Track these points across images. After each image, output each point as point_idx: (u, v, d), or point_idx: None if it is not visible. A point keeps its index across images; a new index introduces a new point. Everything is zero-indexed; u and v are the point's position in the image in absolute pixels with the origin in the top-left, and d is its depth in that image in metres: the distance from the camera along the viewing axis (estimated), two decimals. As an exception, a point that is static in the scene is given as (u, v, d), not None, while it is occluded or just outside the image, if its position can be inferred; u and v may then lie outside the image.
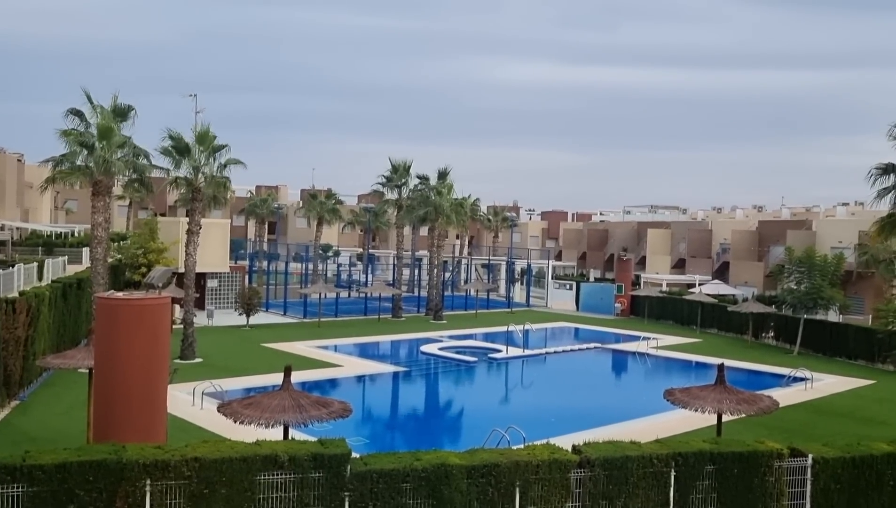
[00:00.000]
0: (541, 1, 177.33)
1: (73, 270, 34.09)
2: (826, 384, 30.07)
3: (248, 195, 74.52)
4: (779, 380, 29.94)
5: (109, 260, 31.84)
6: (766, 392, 18.72)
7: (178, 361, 28.43)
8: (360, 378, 30.10)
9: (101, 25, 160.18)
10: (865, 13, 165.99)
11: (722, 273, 59.48)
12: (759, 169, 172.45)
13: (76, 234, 52.37)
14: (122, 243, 43.10)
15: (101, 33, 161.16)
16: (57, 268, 32.09)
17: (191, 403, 22.39)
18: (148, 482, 11.57)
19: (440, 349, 36.40)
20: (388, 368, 32.36)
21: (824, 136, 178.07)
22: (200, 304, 42.65)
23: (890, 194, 23.30)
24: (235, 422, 14.23)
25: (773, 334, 41.82)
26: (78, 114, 27.47)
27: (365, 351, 36.36)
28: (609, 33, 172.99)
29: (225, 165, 30.80)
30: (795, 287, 38.04)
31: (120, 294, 15.56)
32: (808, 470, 14.70)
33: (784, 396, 24.49)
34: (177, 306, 35.70)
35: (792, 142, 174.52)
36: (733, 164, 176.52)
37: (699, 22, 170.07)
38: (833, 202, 75.93)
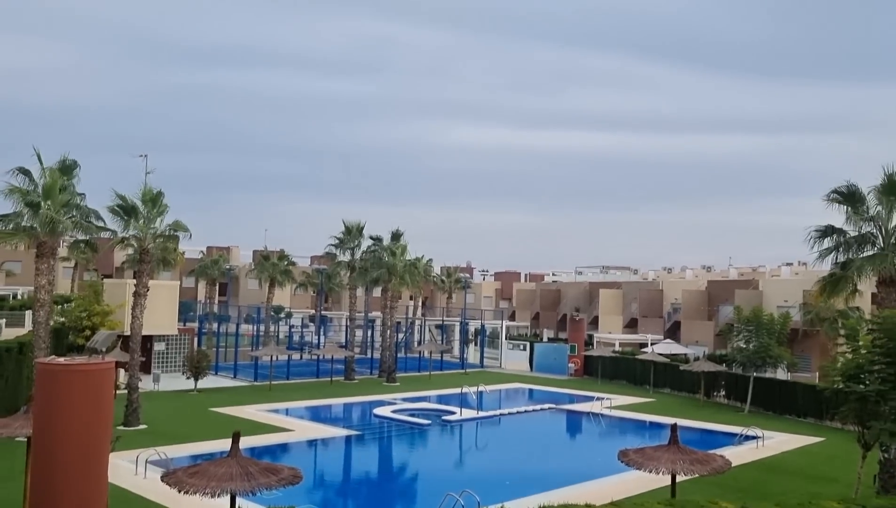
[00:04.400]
0: (492, 67, 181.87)
1: (13, 333, 33.00)
2: (777, 441, 30.36)
3: (200, 256, 73.59)
4: (731, 439, 30.14)
5: (52, 323, 30.92)
6: (719, 451, 18.79)
7: (121, 427, 27.47)
8: (312, 443, 29.42)
9: (49, 86, 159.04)
10: (805, 81, 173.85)
11: (673, 332, 60.25)
12: (707, 230, 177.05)
13: (18, 296, 50.87)
14: (65, 305, 41.94)
15: (48, 94, 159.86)
16: (-4, 332, 31.03)
17: (134, 472, 21.56)
18: (85, 557, 11.01)
19: (393, 411, 35.88)
20: (340, 432, 31.73)
21: (767, 197, 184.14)
22: (147, 368, 41.49)
23: (830, 255, 24.00)
24: (180, 492, 13.71)
25: (724, 392, 42.27)
26: (25, 173, 26.95)
27: (317, 415, 35.63)
28: (557, 98, 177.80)
29: (174, 230, 30.41)
30: (745, 346, 38.68)
31: (61, 359, 15.05)
32: (762, 530, 14.70)
33: (736, 454, 24.63)
34: (121, 371, 34.72)
35: (737, 203, 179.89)
36: (681, 224, 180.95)
37: (644, 89, 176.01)
38: (778, 262, 78.11)
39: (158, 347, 45.06)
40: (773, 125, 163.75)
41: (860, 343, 20.27)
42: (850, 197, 23.16)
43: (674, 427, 17.43)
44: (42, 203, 26.65)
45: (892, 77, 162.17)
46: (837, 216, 23.64)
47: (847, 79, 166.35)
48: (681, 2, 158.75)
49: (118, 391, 31.60)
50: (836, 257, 23.94)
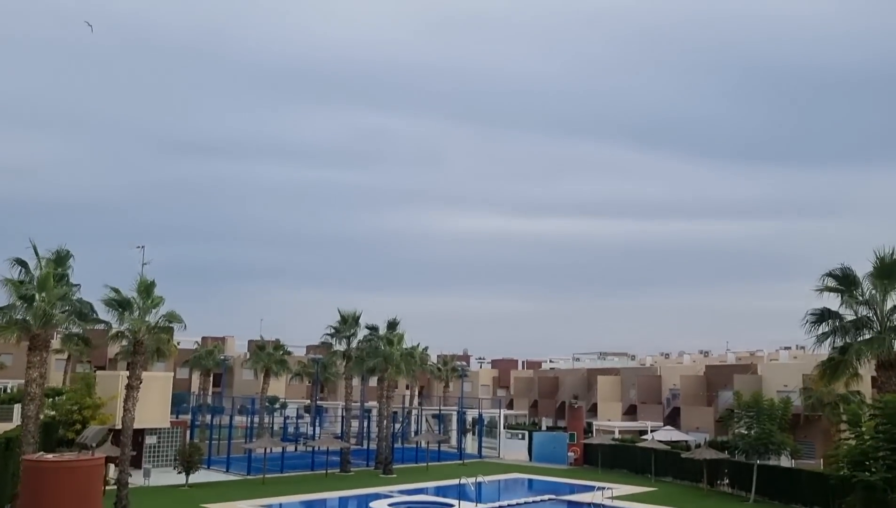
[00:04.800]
0: (486, 156, 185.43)
1: (1, 428, 32.36)
2: (784, 532, 29.52)
3: (195, 347, 73.01)
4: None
5: (42, 417, 30.40)
6: (725, 544, 18.26)
7: (109, 526, 26.66)
8: (306, 540, 28.54)
9: (46, 178, 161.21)
10: (800, 166, 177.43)
11: (673, 419, 59.40)
12: (704, 314, 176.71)
13: (8, 390, 50.16)
14: (56, 398, 41.32)
15: (45, 187, 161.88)
16: (-17, 427, 30.45)
17: (121, 573, 20.79)
18: None
19: (390, 504, 34.96)
20: (335, 527, 30.84)
21: (763, 281, 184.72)
22: (137, 462, 40.56)
23: (828, 339, 23.96)
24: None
25: (727, 481, 41.36)
26: (22, 264, 27.04)
27: (311, 510, 34.71)
28: (552, 186, 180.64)
29: (169, 321, 30.30)
30: (746, 432, 38.08)
31: (50, 456, 14.75)
32: None
33: (743, 547, 23.94)
34: (111, 466, 33.94)
35: (733, 288, 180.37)
36: (678, 309, 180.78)
37: (636, 176, 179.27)
38: (776, 346, 77.79)
39: (150, 440, 44.17)
40: (769, 210, 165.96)
41: (863, 429, 20.02)
42: (844, 280, 23.32)
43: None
44: (36, 296, 26.64)
45: (882, 162, 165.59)
46: (833, 300, 23.75)
47: (838, 163, 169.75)
48: (669, 90, 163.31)
49: (107, 487, 30.82)
50: (834, 341, 23.90)
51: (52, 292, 26.69)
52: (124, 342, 31.36)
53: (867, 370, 25.15)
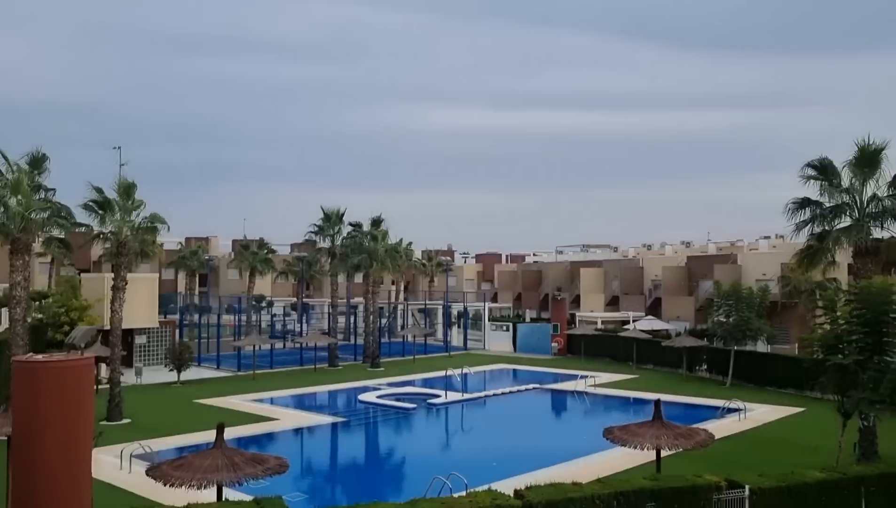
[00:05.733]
0: (468, 49, 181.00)
1: (-10, 332, 32.56)
2: (758, 413, 30.72)
3: (178, 247, 72.89)
4: (713, 412, 30.46)
5: (30, 320, 30.55)
6: (702, 425, 19.00)
7: (104, 423, 27.28)
8: (298, 431, 29.38)
9: (16, 80, 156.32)
10: (778, 56, 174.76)
11: (655, 309, 60.64)
12: (685, 206, 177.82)
13: (-6, 294, 50.12)
14: (43, 301, 41.44)
15: (14, 88, 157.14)
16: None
17: (118, 466, 21.43)
18: (71, 555, 10.93)
19: (378, 397, 35.90)
20: (325, 419, 31.70)
21: (744, 172, 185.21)
22: (128, 362, 41.20)
23: (807, 227, 24.21)
24: (165, 485, 13.65)
25: (706, 366, 42.67)
26: (-6, 167, 26.52)
27: (302, 403, 35.58)
28: (534, 79, 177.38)
29: (152, 222, 30.06)
30: (725, 320, 39.02)
31: (39, 356, 14.86)
32: (746, 501, 14.90)
33: (719, 428, 24.93)
34: (103, 365, 34.41)
35: (714, 178, 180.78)
36: (660, 201, 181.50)
37: (619, 68, 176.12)
38: (755, 236, 78.59)
39: (140, 340, 44.72)
40: (748, 100, 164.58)
41: (838, 314, 20.52)
42: (823, 170, 23.36)
43: (657, 403, 17.57)
44: (13, 199, 26.25)
45: (867, 49, 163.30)
46: (813, 190, 23.86)
47: (822, 52, 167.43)
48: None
49: (100, 387, 31.37)
50: (813, 229, 24.16)
51: (27, 194, 26.29)
52: (107, 245, 31.14)
53: (844, 257, 25.58)
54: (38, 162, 27.27)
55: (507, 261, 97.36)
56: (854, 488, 15.89)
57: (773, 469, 16.88)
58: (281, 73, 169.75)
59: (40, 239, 45.67)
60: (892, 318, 19.32)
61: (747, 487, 14.96)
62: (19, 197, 26.17)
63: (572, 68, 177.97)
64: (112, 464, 21.56)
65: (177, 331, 47.83)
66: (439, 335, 59.76)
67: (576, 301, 67.42)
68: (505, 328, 58.44)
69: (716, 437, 18.34)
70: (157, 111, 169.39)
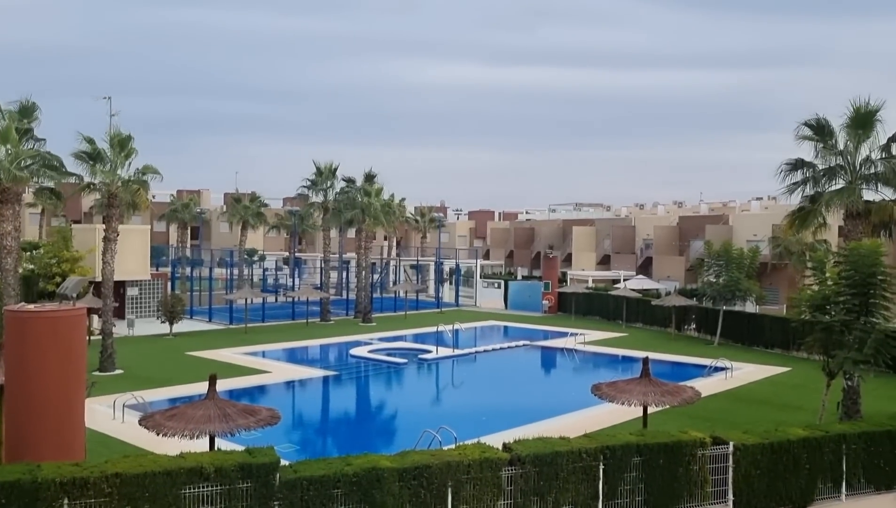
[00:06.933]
0: (460, 4, 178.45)
1: (-19, 282, 32.49)
2: (745, 372, 31.12)
3: (170, 200, 72.59)
4: (700, 370, 30.85)
5: (21, 271, 30.50)
6: (689, 383, 19.22)
7: (96, 373, 27.47)
8: (290, 384, 29.65)
9: (8, 27, 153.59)
10: (773, 15, 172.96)
11: (646, 268, 60.96)
12: (678, 165, 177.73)
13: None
14: (34, 252, 41.34)
15: (7, 35, 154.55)
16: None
17: (111, 416, 21.64)
18: (66, 501, 11.10)
19: (370, 351, 36.18)
20: (317, 372, 31.98)
21: (738, 133, 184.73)
22: (120, 313, 41.30)
23: (799, 189, 24.20)
24: (158, 435, 13.78)
25: (694, 326, 43.07)
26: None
27: (293, 356, 35.84)
28: (528, 35, 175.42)
29: (144, 173, 29.85)
30: (714, 280, 39.27)
31: (31, 306, 14.90)
32: (730, 457, 15.19)
33: (706, 386, 25.27)
34: (95, 317, 34.49)
35: (708, 138, 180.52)
36: (653, 160, 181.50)
37: (615, 24, 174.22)
38: (748, 197, 78.78)
39: (131, 292, 44.75)
40: (747, 60, 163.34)
41: (827, 275, 20.65)
42: (819, 130, 23.25)
43: (645, 361, 17.77)
44: (1, 148, 25.99)
45: (862, 12, 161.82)
46: (808, 151, 23.79)
47: (816, 13, 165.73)
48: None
49: (92, 338, 31.48)
50: (805, 191, 24.15)
51: (16, 142, 26.01)
52: (97, 196, 30.95)
53: (835, 219, 25.63)
54: (27, 111, 26.95)
55: (499, 218, 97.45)
56: (836, 445, 16.19)
57: (757, 427, 17.16)
58: (277, 25, 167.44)
59: (30, 189, 45.40)
60: (879, 280, 19.46)
61: (731, 443, 15.23)
62: (8, 146, 25.91)
63: (568, 23, 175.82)
64: (105, 414, 21.75)
65: (168, 284, 47.87)
66: (431, 291, 59.98)
67: (567, 260, 67.67)
68: (496, 285, 58.69)
69: (702, 395, 18.60)
70: (149, 61, 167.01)
